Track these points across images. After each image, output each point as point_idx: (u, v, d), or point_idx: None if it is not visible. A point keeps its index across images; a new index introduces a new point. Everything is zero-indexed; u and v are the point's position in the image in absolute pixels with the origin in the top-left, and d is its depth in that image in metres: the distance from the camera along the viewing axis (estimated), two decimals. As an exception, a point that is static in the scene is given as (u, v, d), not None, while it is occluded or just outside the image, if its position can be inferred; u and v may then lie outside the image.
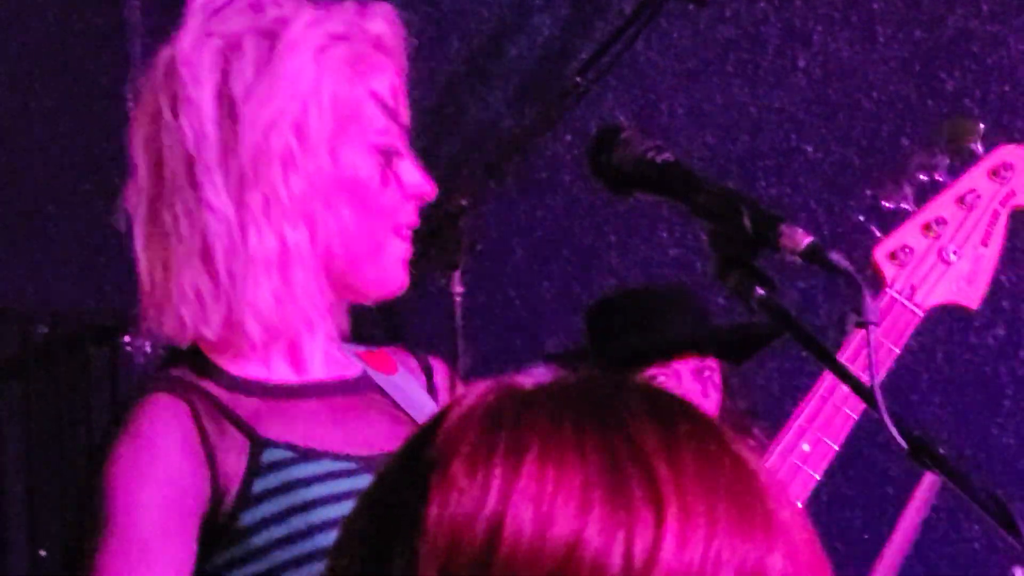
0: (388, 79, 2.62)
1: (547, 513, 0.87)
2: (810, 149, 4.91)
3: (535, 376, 0.98)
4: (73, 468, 5.25)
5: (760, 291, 2.37)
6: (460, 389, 2.78)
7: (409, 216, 2.63)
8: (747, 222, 2.36)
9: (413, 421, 2.64)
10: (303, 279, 2.55)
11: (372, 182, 2.60)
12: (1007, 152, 2.93)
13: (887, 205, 2.97)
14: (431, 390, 2.77)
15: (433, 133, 4.77)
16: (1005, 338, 4.66)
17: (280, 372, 2.63)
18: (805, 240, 2.34)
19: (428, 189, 2.64)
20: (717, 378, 4.19)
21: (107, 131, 5.28)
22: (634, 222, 4.93)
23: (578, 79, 4.49)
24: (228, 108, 2.54)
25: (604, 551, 0.87)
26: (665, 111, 4.96)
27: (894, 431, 2.35)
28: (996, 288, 3.21)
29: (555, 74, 5.02)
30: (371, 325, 4.12)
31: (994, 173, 2.93)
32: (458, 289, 3.77)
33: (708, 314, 4.39)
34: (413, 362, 2.77)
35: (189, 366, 2.57)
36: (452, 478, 0.90)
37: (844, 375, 2.60)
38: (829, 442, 2.87)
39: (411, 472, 0.97)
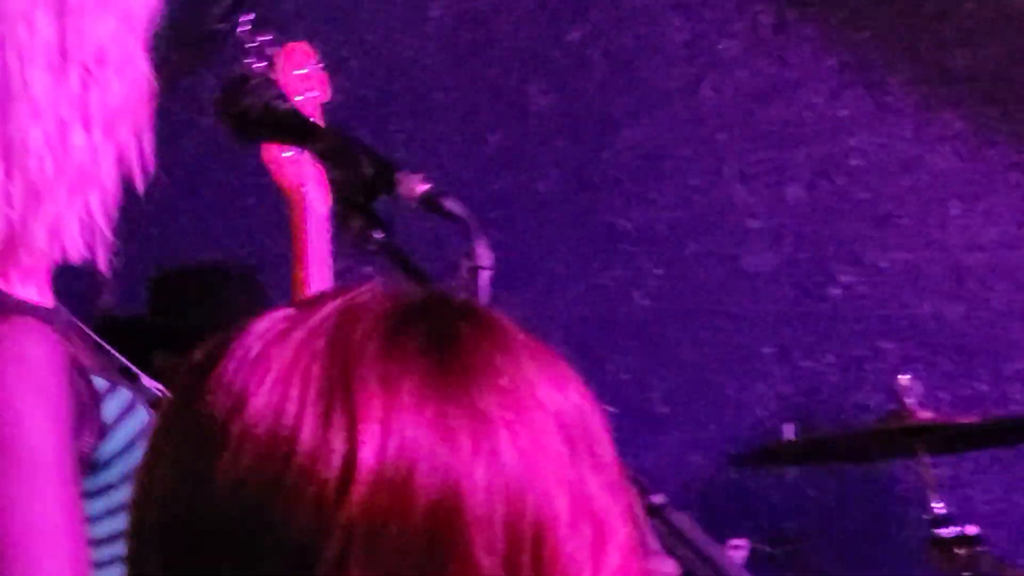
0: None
1: (278, 410, 0.95)
2: (440, 95, 5.04)
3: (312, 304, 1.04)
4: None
5: (378, 235, 2.27)
6: None
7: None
8: (366, 170, 2.32)
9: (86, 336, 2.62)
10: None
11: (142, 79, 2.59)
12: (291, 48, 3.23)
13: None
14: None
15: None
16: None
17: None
18: (421, 188, 2.23)
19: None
20: None
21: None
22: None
23: (220, 25, 4.56)
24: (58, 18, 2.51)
25: (314, 449, 0.93)
26: (301, 56, 5.02)
27: None
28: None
29: (200, 19, 4.94)
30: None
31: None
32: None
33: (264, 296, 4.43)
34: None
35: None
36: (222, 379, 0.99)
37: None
38: None
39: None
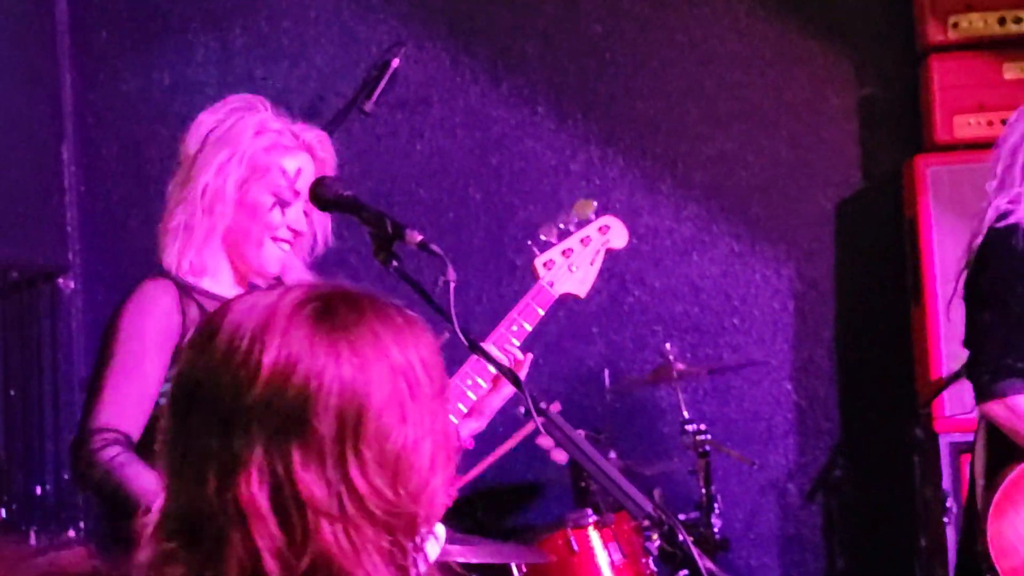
0: (298, 163, 3.50)
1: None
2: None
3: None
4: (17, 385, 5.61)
5: (395, 263, 3.04)
6: None
7: (284, 234, 3.52)
8: (388, 228, 3.06)
9: None
10: (214, 253, 3.50)
11: (263, 208, 3.48)
12: (608, 218, 3.72)
13: (543, 237, 3.67)
14: None
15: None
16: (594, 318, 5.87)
17: (213, 288, 3.49)
18: (417, 237, 3.02)
19: (297, 225, 3.53)
20: None
21: (44, 113, 5.87)
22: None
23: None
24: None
25: (246, 354, 1.59)
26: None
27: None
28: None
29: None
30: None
31: (600, 229, 3.70)
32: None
33: None
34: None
35: (164, 275, 3.45)
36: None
37: (447, 317, 2.98)
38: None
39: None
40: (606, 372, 5.80)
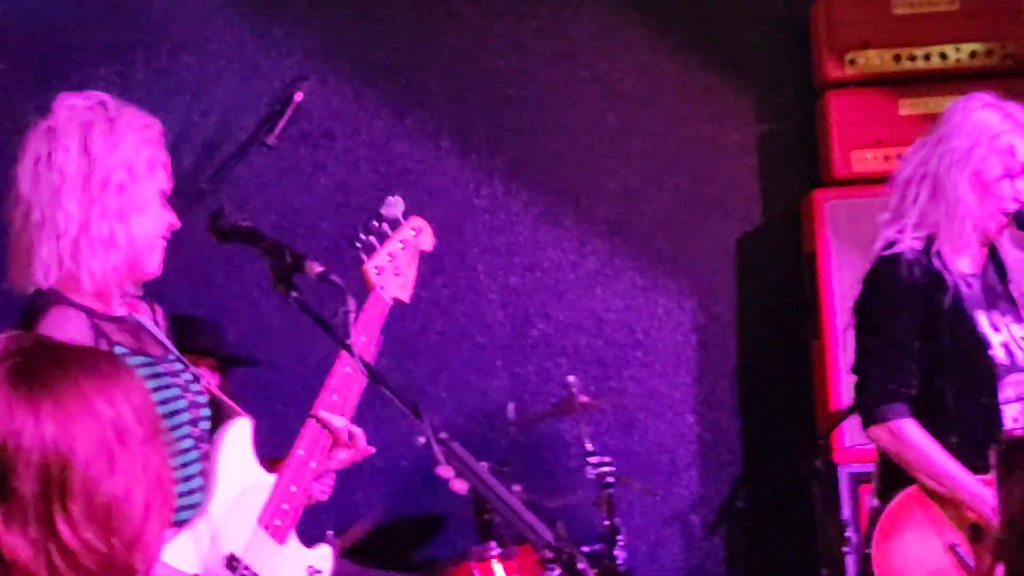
0: (165, 156, 3.40)
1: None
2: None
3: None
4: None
5: (294, 294, 3.15)
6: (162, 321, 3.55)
7: (166, 231, 3.38)
8: (288, 258, 3.16)
9: (157, 340, 3.40)
10: (108, 258, 3.26)
11: (153, 204, 3.34)
12: (417, 219, 3.73)
13: (363, 237, 3.63)
14: (155, 321, 3.52)
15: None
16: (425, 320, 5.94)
17: (100, 307, 3.29)
18: (318, 268, 3.14)
19: (175, 223, 3.40)
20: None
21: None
22: (237, 260, 5.70)
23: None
24: (87, 156, 3.25)
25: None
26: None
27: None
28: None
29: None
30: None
31: (413, 231, 3.71)
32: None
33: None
34: (145, 306, 3.49)
35: (56, 298, 3.24)
36: None
37: (346, 347, 3.23)
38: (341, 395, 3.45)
39: None
40: (510, 405, 5.76)
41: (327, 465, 3.44)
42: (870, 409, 3.99)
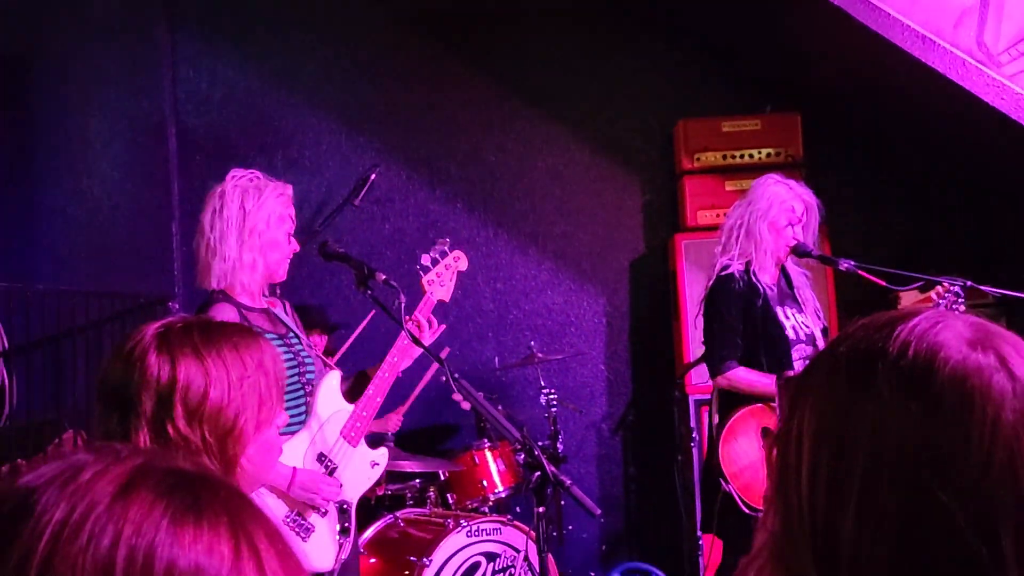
0: (291, 209, 3.25)
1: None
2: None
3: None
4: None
5: (369, 292, 3.05)
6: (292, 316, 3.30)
7: (290, 253, 3.23)
8: (365, 271, 3.11)
9: (284, 324, 3.20)
10: (254, 275, 3.17)
11: (282, 242, 3.20)
12: (457, 251, 3.57)
13: (423, 263, 3.48)
14: (285, 311, 3.32)
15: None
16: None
17: (248, 302, 3.18)
18: (382, 277, 3.08)
19: (297, 249, 3.25)
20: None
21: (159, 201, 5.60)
22: (337, 272, 5.62)
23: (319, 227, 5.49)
24: (243, 211, 3.14)
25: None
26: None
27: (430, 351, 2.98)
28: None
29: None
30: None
31: (454, 258, 3.54)
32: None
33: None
34: (279, 302, 3.33)
35: (220, 297, 3.15)
36: None
37: (401, 325, 3.12)
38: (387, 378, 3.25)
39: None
40: (496, 359, 5.84)
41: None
42: (715, 365, 3.90)
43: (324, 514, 3.14)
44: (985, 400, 0.92)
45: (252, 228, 3.12)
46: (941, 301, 3.69)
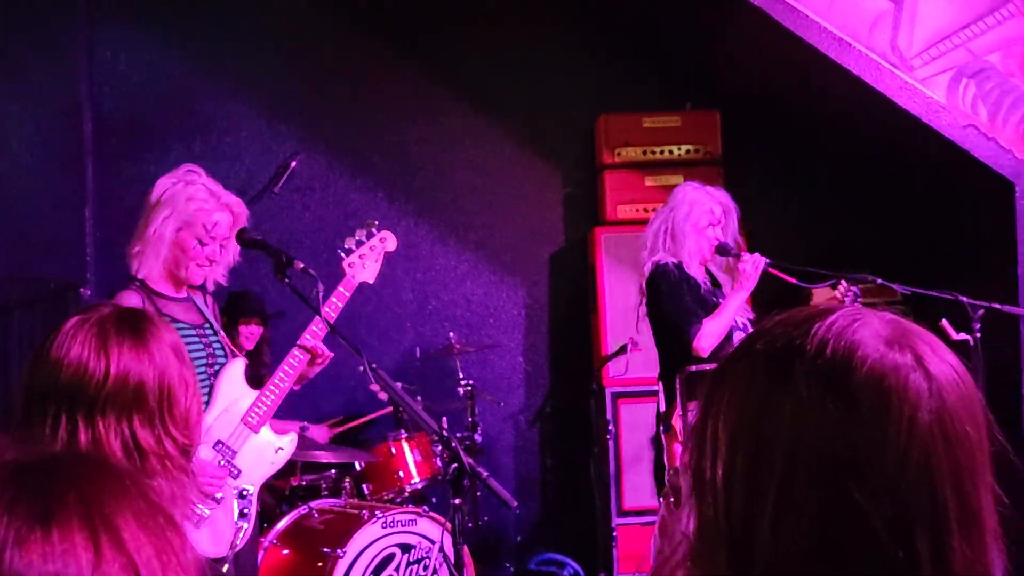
0: (216, 218, 3.23)
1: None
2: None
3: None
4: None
5: (287, 281, 3.05)
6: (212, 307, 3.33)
7: (202, 261, 3.24)
8: (283, 259, 3.09)
9: (203, 314, 3.26)
10: (156, 268, 3.22)
11: (190, 245, 3.21)
12: (385, 232, 3.49)
13: (347, 246, 3.45)
14: (206, 304, 3.36)
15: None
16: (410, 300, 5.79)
17: (166, 291, 3.23)
18: (300, 265, 3.08)
19: (211, 256, 3.24)
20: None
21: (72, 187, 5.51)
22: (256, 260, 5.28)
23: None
24: (159, 205, 3.20)
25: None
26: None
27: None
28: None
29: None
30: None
31: (380, 239, 3.47)
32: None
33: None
34: (200, 294, 3.35)
35: (132, 283, 3.20)
36: None
37: (317, 312, 3.12)
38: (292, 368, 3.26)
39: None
40: (416, 349, 5.81)
41: (309, 373, 3.30)
42: (690, 334, 3.84)
43: (218, 501, 3.14)
44: (902, 400, 0.92)
45: (158, 225, 3.15)
46: (844, 299, 3.72)
